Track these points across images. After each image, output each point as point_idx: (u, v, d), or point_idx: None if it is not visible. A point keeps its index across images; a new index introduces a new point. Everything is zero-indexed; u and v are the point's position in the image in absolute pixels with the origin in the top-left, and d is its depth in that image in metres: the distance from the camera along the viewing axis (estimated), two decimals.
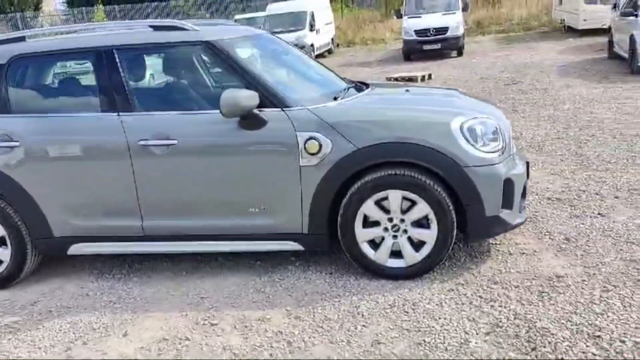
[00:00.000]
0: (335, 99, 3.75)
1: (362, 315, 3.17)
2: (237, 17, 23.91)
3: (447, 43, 16.29)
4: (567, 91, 9.24)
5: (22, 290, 3.91)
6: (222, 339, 3.09)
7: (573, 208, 4.32)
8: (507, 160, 3.48)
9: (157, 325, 3.30)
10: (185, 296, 3.63)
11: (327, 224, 3.54)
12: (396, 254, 3.51)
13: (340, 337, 2.98)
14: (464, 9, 17.74)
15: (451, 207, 3.36)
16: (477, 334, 2.86)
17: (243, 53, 3.80)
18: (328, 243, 3.62)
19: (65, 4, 45.96)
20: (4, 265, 3.90)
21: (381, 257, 3.51)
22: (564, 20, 20.63)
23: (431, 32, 16.35)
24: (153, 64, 4.23)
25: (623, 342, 2.64)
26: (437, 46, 16.33)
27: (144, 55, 3.98)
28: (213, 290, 3.65)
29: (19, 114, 3.78)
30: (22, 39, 3.92)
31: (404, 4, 18.23)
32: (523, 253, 3.68)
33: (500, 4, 26.08)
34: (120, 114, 3.64)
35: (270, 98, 3.49)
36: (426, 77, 12.57)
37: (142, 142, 3.57)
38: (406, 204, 3.41)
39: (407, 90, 4.35)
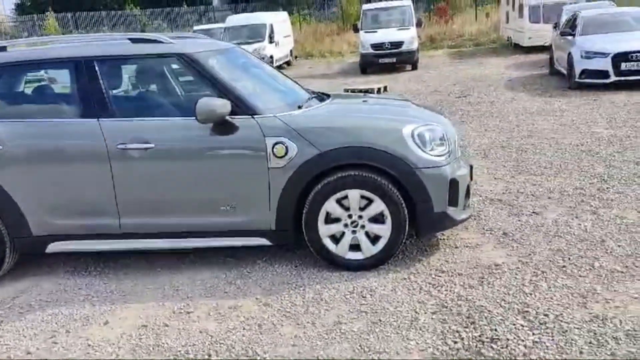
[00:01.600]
0: (299, 107, 4.13)
1: (325, 301, 3.54)
2: (195, 27, 24.14)
3: (402, 57, 16.95)
4: (511, 104, 9.90)
5: (1, 287, 4.11)
6: (198, 325, 3.40)
7: (511, 207, 4.82)
8: (453, 163, 3.92)
9: (135, 315, 3.58)
10: (161, 289, 3.91)
11: (292, 221, 3.90)
12: (355, 247, 3.89)
13: (306, 320, 3.34)
14: (418, 25, 18.50)
15: (403, 205, 3.77)
16: (425, 313, 3.27)
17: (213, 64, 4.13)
18: (293, 238, 3.98)
19: (14, 11, 45.02)
20: None
21: (342, 250, 3.89)
22: (510, 37, 21.70)
23: (387, 46, 16.98)
24: (131, 73, 4.51)
25: (546, 315, 3.10)
26: (393, 60, 16.95)
27: (123, 66, 4.28)
28: (187, 284, 3.95)
29: (1, 119, 4.00)
30: (3, 48, 4.16)
31: (361, 18, 18.86)
32: (467, 246, 4.13)
33: (452, 20, 27.14)
34: (100, 119, 3.92)
35: (241, 106, 3.84)
36: (382, 90, 13.10)
37: (121, 146, 3.86)
38: (363, 202, 3.81)
39: (364, 101, 4.77)
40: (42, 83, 4.44)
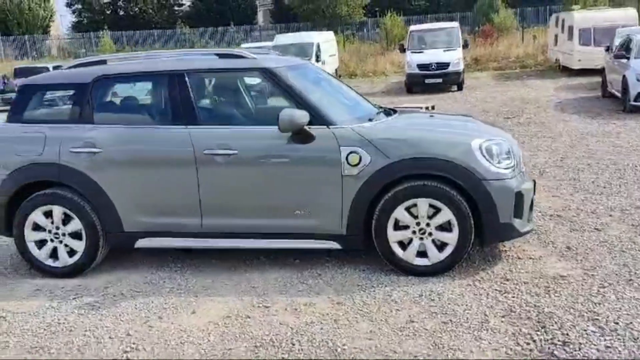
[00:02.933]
0: (370, 120, 4.39)
1: (395, 301, 3.75)
2: (243, 45, 24.90)
3: (448, 77, 17.13)
4: (563, 125, 9.97)
5: (92, 278, 4.46)
6: (277, 317, 3.66)
7: (572, 223, 4.94)
8: (518, 176, 4.11)
9: (219, 307, 3.86)
10: (238, 285, 4.19)
11: (362, 226, 4.14)
12: (421, 253, 4.10)
13: (379, 317, 3.56)
14: (464, 46, 18.66)
15: (470, 214, 3.97)
16: (495, 316, 3.45)
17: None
18: (362, 243, 4.21)
19: (71, 29, 47.22)
20: (78, 255, 4.46)
21: (409, 256, 4.10)
22: (558, 59, 21.62)
23: (433, 66, 17.19)
24: (217, 85, 4.87)
25: (617, 323, 3.24)
26: (439, 80, 17.14)
27: (210, 78, 4.63)
28: (262, 281, 4.21)
29: (101, 125, 4.40)
30: (103, 62, 4.58)
31: (407, 39, 19.14)
32: (530, 258, 4.29)
33: (497, 42, 27.14)
34: (188, 127, 4.26)
35: (317, 117, 4.12)
36: (429, 108, 13.27)
37: (207, 152, 4.18)
38: (431, 210, 4.02)
39: (431, 116, 5.01)
40: (136, 94, 4.81)
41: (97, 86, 4.47)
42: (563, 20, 21.82)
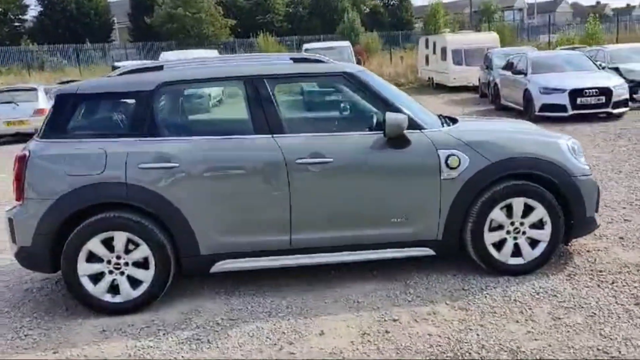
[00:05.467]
0: (445, 124, 4.40)
1: (518, 301, 3.77)
2: (117, 64, 23.47)
3: None
4: None
5: (161, 312, 3.89)
6: (417, 329, 3.48)
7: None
8: None
9: (341, 325, 3.59)
10: (338, 302, 3.92)
11: (459, 230, 4.11)
12: (514, 253, 4.17)
13: (518, 318, 3.55)
14: (357, 64, 19.36)
15: (561, 211, 4.13)
16: (630, 304, 3.60)
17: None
18: (458, 248, 4.18)
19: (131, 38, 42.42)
20: (145, 286, 3.87)
21: (504, 256, 4.14)
22: (432, 78, 23.34)
23: None
24: (298, 91, 4.55)
25: None
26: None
27: (291, 84, 4.31)
28: (361, 296, 3.98)
29: (171, 137, 3.89)
30: (160, 67, 4.06)
31: None
32: (597, 250, 4.55)
33: (369, 62, 28.58)
34: (274, 135, 3.93)
35: (411, 121, 4.04)
36: None
37: (300, 161, 3.89)
38: (523, 209, 4.11)
39: (490, 120, 5.13)
40: (206, 100, 4.32)
41: (161, 94, 3.96)
42: (434, 43, 23.62)
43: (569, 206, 4.14)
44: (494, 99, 15.42)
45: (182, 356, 3.31)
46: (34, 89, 15.10)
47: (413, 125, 4.04)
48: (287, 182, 3.89)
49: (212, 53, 22.19)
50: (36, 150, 3.85)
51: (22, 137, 14.62)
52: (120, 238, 3.80)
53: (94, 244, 3.78)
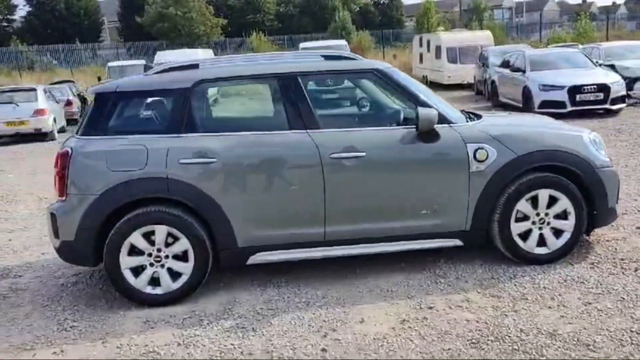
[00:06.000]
0: (469, 119, 4.53)
1: (547, 288, 3.91)
2: (110, 64, 23.50)
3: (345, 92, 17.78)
4: None
5: (200, 303, 3.99)
6: (454, 315, 3.61)
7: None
8: None
9: (379, 313, 3.71)
10: (372, 292, 4.04)
11: (486, 221, 4.24)
12: (540, 242, 4.31)
13: (550, 304, 3.68)
14: None
15: (584, 202, 4.28)
16: None
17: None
18: (485, 238, 4.31)
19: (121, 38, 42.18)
20: (184, 279, 3.97)
21: (530, 246, 4.28)
22: (426, 76, 23.53)
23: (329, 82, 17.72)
24: (331, 87, 4.66)
25: None
26: (336, 95, 17.70)
27: (324, 80, 4.43)
28: (392, 285, 4.10)
29: (209, 133, 3.99)
30: (195, 65, 4.16)
31: None
32: (615, 239, 4.71)
33: None
34: (308, 131, 4.04)
35: (439, 116, 4.16)
36: None
37: (334, 155, 4.00)
38: (548, 200, 4.25)
39: (511, 115, 5.26)
40: (240, 98, 4.43)
41: (198, 91, 4.06)
42: (428, 41, 23.87)
43: (592, 197, 4.28)
44: (491, 96, 15.64)
45: (231, 343, 3.41)
46: (34, 90, 15.07)
47: (442, 119, 4.17)
48: (321, 176, 4.00)
49: (208, 52, 22.26)
50: (78, 147, 3.94)
51: (21, 138, 14.66)
52: (161, 232, 3.89)
53: (136, 238, 3.87)
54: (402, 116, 4.30)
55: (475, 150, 4.13)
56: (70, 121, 17.50)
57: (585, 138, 4.35)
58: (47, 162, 11.34)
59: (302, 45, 20.08)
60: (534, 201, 4.24)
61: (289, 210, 4.05)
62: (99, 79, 23.40)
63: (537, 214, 4.27)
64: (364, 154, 4.04)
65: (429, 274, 4.27)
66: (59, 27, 42.85)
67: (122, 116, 4.07)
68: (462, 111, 4.88)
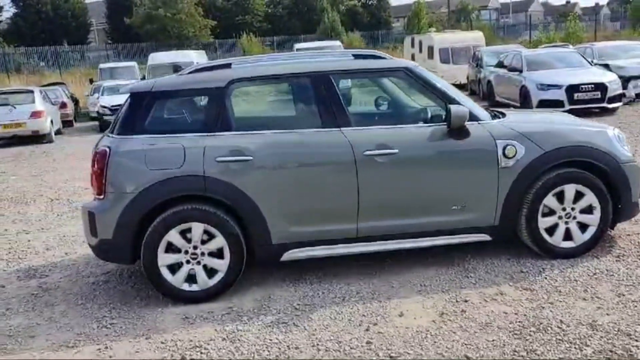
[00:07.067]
0: (495, 117, 4.61)
1: (578, 281, 3.99)
2: (101, 66, 23.38)
3: None
4: None
5: (235, 300, 4.02)
6: (491, 308, 3.68)
7: None
8: None
9: (417, 307, 3.77)
10: (405, 286, 4.10)
11: (514, 216, 4.32)
12: (566, 236, 4.40)
13: (584, 296, 3.77)
14: None
15: (609, 196, 4.37)
16: None
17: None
18: (512, 233, 4.39)
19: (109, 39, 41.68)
20: (220, 275, 4.00)
21: (557, 240, 4.37)
22: None
23: None
24: (361, 86, 4.71)
25: None
26: None
27: (356, 79, 4.48)
28: (424, 280, 4.16)
29: (244, 131, 4.03)
30: (228, 65, 4.20)
31: None
32: (636, 233, 4.82)
33: None
34: (342, 129, 4.10)
35: (469, 113, 4.23)
36: None
37: (368, 152, 4.06)
38: (574, 195, 4.34)
39: (535, 112, 5.34)
40: (273, 97, 4.47)
41: (232, 90, 4.10)
42: (420, 42, 24.02)
43: (617, 192, 4.38)
44: (486, 95, 15.80)
45: (276, 337, 3.45)
46: (31, 91, 14.94)
47: (471, 117, 4.24)
48: (355, 173, 4.05)
49: (201, 54, 22.20)
50: (116, 146, 3.95)
51: (19, 140, 14.53)
52: (197, 229, 3.92)
53: (173, 235, 3.90)
54: (430, 114, 4.37)
55: (505, 147, 4.20)
56: (65, 123, 17.37)
57: (610, 134, 4.45)
58: (49, 163, 11.35)
59: (296, 46, 20.15)
60: (560, 196, 4.32)
61: (323, 207, 4.09)
62: (91, 80, 23.32)
63: (564, 209, 4.35)
64: (396, 151, 4.10)
65: (459, 269, 4.34)
66: (46, 28, 42.45)
67: (158, 115, 4.09)
68: (486, 108, 4.97)
